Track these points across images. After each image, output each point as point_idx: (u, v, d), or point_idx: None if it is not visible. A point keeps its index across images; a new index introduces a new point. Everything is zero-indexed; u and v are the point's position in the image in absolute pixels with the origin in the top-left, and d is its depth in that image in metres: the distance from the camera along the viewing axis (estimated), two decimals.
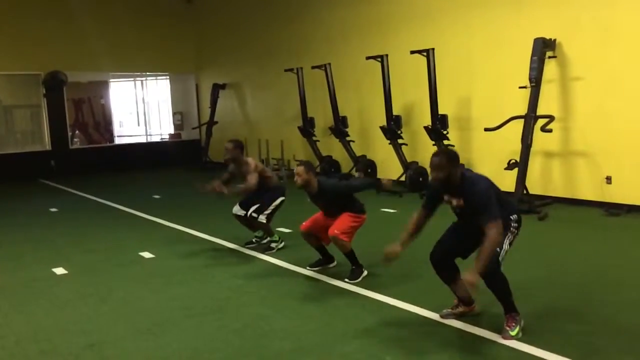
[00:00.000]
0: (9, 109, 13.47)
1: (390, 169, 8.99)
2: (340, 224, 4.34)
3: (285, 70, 10.62)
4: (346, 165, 9.94)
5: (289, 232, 5.98)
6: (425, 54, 7.87)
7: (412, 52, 7.96)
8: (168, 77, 15.20)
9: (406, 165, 8.51)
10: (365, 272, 4.38)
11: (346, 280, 4.29)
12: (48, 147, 12.95)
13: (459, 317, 3.46)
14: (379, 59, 8.54)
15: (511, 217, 3.32)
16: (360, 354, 3.08)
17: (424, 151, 8.50)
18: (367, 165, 9.43)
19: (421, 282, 4.16)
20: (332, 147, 10.21)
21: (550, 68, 6.93)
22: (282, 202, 5.44)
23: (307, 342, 3.28)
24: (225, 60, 13.66)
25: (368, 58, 8.64)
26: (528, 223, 6.04)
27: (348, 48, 9.87)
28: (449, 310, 3.50)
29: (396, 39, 8.88)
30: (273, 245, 5.42)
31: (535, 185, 7.10)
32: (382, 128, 8.62)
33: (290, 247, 5.37)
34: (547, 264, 4.64)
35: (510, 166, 6.78)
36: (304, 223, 4.54)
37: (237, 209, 5.54)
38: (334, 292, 4.14)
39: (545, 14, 7.01)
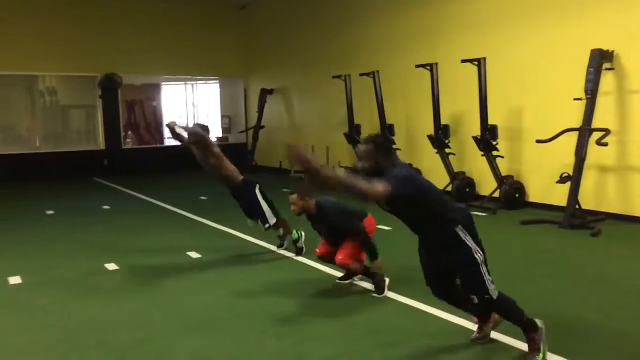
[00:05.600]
0: (67, 109, 14.05)
1: (436, 178, 8.88)
2: (345, 248, 4.25)
3: (334, 77, 10.68)
4: None
5: None
6: (476, 63, 7.77)
7: (464, 62, 7.87)
8: (218, 81, 15.51)
9: (453, 175, 8.41)
10: (388, 280, 4.24)
11: (374, 295, 4.24)
12: (102, 146, 13.41)
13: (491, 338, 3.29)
14: (429, 68, 8.49)
15: (459, 229, 2.95)
16: None
17: (472, 162, 8.38)
18: None
19: None
20: None
21: (607, 80, 6.73)
22: (261, 190, 5.44)
23: (348, 349, 3.27)
24: (274, 66, 13.83)
25: (418, 66, 8.60)
26: (580, 239, 5.91)
27: (397, 56, 9.84)
28: (478, 335, 3.30)
29: (446, 48, 8.80)
30: (300, 244, 5.36)
31: (588, 200, 6.89)
32: (429, 137, 8.55)
33: None
34: (599, 283, 4.49)
35: (562, 180, 6.61)
36: (317, 249, 4.52)
37: (250, 222, 5.63)
38: (377, 299, 4.12)
39: (603, 25, 6.81)
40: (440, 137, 8.41)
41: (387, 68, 9.81)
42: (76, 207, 8.78)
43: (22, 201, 9.54)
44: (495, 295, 2.98)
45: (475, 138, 7.84)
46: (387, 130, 9.53)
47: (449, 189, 8.36)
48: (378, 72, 9.63)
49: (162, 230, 6.88)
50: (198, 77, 15.36)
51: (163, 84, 15.41)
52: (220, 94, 15.78)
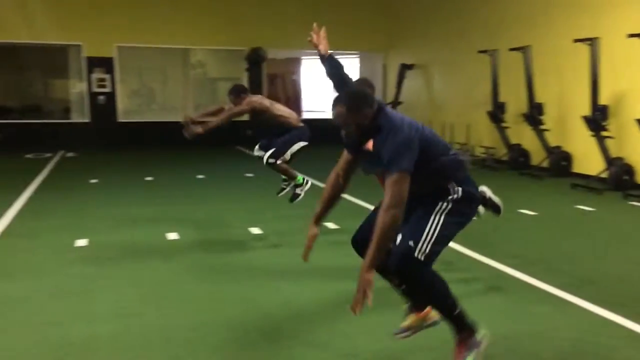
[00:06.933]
0: (214, 81, 14.95)
1: (589, 163, 8.21)
2: None
3: (479, 52, 10.21)
4: (537, 155, 9.31)
5: None
6: None
7: (631, 36, 7.10)
8: (358, 55, 15.54)
9: (609, 160, 7.70)
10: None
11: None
12: (246, 117, 14.09)
13: (414, 332, 2.67)
14: (589, 43, 7.77)
15: (451, 186, 2.50)
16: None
17: (633, 146, 7.62)
18: (561, 157, 8.75)
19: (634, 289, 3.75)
20: (522, 135, 9.62)
21: None
22: (302, 147, 5.27)
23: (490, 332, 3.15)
24: (415, 40, 13.54)
25: (576, 41, 7.91)
26: None
27: (552, 29, 9.13)
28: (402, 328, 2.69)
29: (610, 20, 7.99)
30: (299, 191, 5.29)
31: None
32: (585, 118, 7.88)
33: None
34: None
35: None
36: None
37: (257, 150, 5.55)
38: (525, 290, 3.90)
39: None
40: (597, 119, 7.71)
41: (540, 42, 9.16)
42: (222, 173, 9.37)
43: (175, 165, 10.38)
44: (421, 255, 2.37)
45: (639, 121, 7.08)
46: (535, 109, 8.95)
47: (604, 175, 7.68)
48: (529, 46, 9.03)
49: (302, 201, 7.09)
50: (338, 51, 15.52)
51: (303, 57, 15.80)
52: (360, 69, 15.82)
